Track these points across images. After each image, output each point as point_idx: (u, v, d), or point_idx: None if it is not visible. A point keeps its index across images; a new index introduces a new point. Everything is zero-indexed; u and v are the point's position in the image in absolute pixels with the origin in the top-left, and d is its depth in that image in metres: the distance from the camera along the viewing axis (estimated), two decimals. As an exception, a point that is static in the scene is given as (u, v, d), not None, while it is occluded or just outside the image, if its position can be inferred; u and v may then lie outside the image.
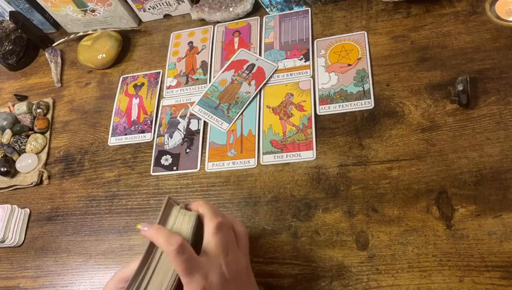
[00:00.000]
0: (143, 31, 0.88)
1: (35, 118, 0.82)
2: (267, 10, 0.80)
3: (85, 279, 0.65)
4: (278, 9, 0.79)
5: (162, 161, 0.70)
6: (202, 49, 0.80)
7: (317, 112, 0.66)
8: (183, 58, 0.80)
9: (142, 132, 0.75)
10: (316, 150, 0.63)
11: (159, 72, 0.81)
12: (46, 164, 0.78)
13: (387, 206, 0.56)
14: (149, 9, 0.85)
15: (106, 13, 0.86)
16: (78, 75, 0.87)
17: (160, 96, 0.78)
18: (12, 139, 0.80)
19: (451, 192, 0.55)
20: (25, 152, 0.79)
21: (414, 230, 0.54)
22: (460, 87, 0.59)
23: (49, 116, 0.83)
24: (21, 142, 0.79)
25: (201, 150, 0.69)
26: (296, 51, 0.73)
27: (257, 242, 0.59)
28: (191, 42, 0.82)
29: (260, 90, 0.71)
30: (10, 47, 0.89)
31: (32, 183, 0.76)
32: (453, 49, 0.65)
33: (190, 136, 0.71)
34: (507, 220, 0.51)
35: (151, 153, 0.72)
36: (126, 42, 0.87)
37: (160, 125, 0.74)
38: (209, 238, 0.43)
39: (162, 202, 0.67)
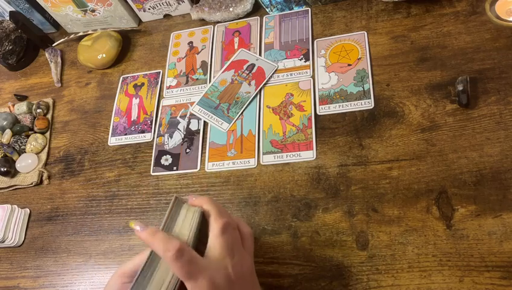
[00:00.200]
0: (143, 31, 0.88)
1: (35, 118, 0.82)
2: (267, 10, 0.80)
3: (85, 279, 0.65)
4: (278, 9, 0.79)
5: (162, 161, 0.70)
6: (202, 49, 0.80)
7: (317, 112, 0.66)
8: (183, 58, 0.80)
9: (142, 132, 0.75)
10: (316, 150, 0.63)
11: (159, 72, 0.81)
12: (46, 164, 0.78)
13: (387, 206, 0.56)
14: (149, 9, 0.85)
15: (106, 13, 0.86)
16: (78, 75, 0.87)
17: (160, 96, 0.78)
18: (12, 139, 0.80)
19: (451, 192, 0.55)
20: (25, 152, 0.79)
21: (414, 230, 0.54)
22: (460, 87, 0.59)
23: (49, 116, 0.83)
24: (21, 142, 0.79)
25: (201, 150, 0.69)
26: (296, 51, 0.73)
27: (257, 242, 0.59)
28: (191, 42, 0.82)
29: (260, 90, 0.71)
30: (10, 47, 0.89)
31: (32, 183, 0.76)
32: (453, 49, 0.65)
33: (190, 136, 0.71)
34: (507, 220, 0.51)
35: (151, 153, 0.72)
36: (126, 42, 0.87)
37: (160, 125, 0.74)
38: (215, 239, 0.41)
39: (162, 202, 0.67)
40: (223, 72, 0.75)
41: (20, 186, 0.77)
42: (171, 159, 0.70)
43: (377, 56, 0.68)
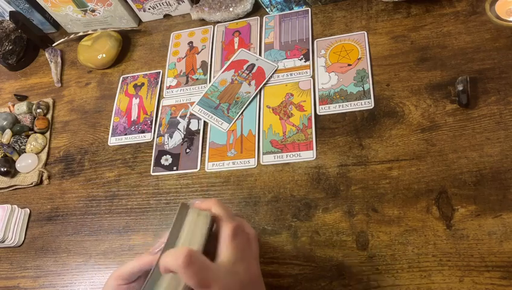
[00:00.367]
0: (143, 31, 0.88)
1: (35, 118, 0.82)
2: (267, 10, 0.80)
3: (85, 279, 0.65)
4: (278, 9, 0.79)
5: (162, 161, 0.70)
6: (202, 49, 0.80)
7: (317, 112, 0.66)
8: (183, 58, 0.80)
9: (142, 132, 0.75)
10: (316, 150, 0.63)
11: (159, 72, 0.81)
12: (46, 164, 0.78)
13: (387, 206, 0.56)
14: (149, 9, 0.85)
15: (106, 13, 0.86)
16: (78, 75, 0.87)
17: (160, 96, 0.78)
18: (12, 139, 0.80)
19: (451, 192, 0.55)
20: (25, 152, 0.79)
21: (414, 230, 0.54)
22: (460, 87, 0.59)
23: (49, 116, 0.83)
24: (21, 142, 0.79)
25: (201, 150, 0.69)
26: (296, 51, 0.73)
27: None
28: (191, 42, 0.82)
29: (260, 90, 0.71)
30: (10, 47, 0.89)
31: (32, 183, 0.76)
32: (453, 49, 0.65)
33: (190, 136, 0.71)
34: (507, 220, 0.51)
35: (151, 153, 0.72)
36: (126, 42, 0.87)
37: (160, 125, 0.74)
38: (226, 243, 0.39)
39: (162, 202, 0.67)
40: (223, 72, 0.75)
41: (20, 186, 0.77)
42: (171, 159, 0.70)
43: (377, 56, 0.68)
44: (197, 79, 0.77)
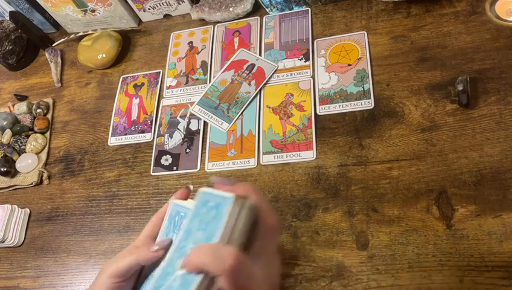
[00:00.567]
0: (143, 31, 0.88)
1: (35, 118, 0.82)
2: (267, 10, 0.79)
3: (85, 279, 0.65)
4: (278, 9, 0.79)
5: (162, 161, 0.70)
6: (202, 49, 0.80)
7: (317, 112, 0.66)
8: (183, 58, 0.80)
9: (142, 132, 0.75)
10: (316, 150, 0.63)
11: (159, 72, 0.81)
12: (46, 164, 0.78)
13: (387, 206, 0.56)
14: (149, 9, 0.85)
15: (106, 13, 0.86)
16: (78, 75, 0.87)
17: (160, 96, 0.78)
18: (12, 139, 0.80)
19: (451, 192, 0.55)
20: (25, 152, 0.79)
21: (414, 230, 0.54)
22: (460, 87, 0.59)
23: (49, 116, 0.83)
24: (21, 142, 0.79)
25: (201, 150, 0.69)
26: (296, 51, 0.73)
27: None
28: (191, 42, 0.82)
29: (260, 90, 0.71)
30: (10, 47, 0.89)
31: (32, 183, 0.76)
32: (453, 49, 0.65)
33: (190, 136, 0.71)
34: (507, 220, 0.51)
35: (151, 153, 0.72)
36: (126, 42, 0.87)
37: (160, 125, 0.74)
38: (269, 241, 0.34)
39: (162, 202, 0.67)
40: (223, 72, 0.75)
41: (20, 186, 0.77)
42: (171, 159, 0.70)
43: (377, 56, 0.68)
44: (197, 79, 0.77)
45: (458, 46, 0.65)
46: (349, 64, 0.69)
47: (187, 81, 0.77)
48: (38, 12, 0.91)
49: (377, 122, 0.63)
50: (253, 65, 0.74)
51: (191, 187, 0.44)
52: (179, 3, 0.84)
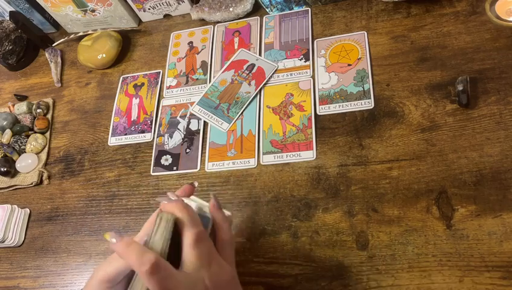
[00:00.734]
0: (143, 31, 0.88)
1: (35, 118, 0.82)
2: (267, 10, 0.80)
3: (85, 279, 0.65)
4: (278, 9, 0.79)
5: (162, 161, 0.70)
6: (202, 49, 0.80)
7: (317, 112, 0.66)
8: (183, 58, 0.80)
9: (142, 132, 0.75)
10: (316, 150, 0.63)
11: (159, 72, 0.81)
12: (46, 164, 0.78)
13: (387, 206, 0.56)
14: (149, 9, 0.85)
15: (106, 13, 0.86)
16: (78, 75, 0.87)
17: (160, 96, 0.78)
18: (12, 139, 0.80)
19: (451, 192, 0.55)
20: (25, 152, 0.79)
21: (414, 230, 0.54)
22: (460, 87, 0.59)
23: (49, 116, 0.83)
24: (21, 142, 0.79)
25: (201, 150, 0.69)
26: (296, 51, 0.73)
27: (257, 242, 0.59)
28: (191, 42, 0.82)
29: (260, 90, 0.71)
30: (10, 47, 0.89)
31: (32, 183, 0.76)
32: (453, 49, 0.65)
33: (190, 136, 0.71)
34: (507, 220, 0.51)
35: (151, 153, 0.72)
36: (126, 42, 0.87)
37: (160, 125, 0.74)
38: (189, 250, 0.39)
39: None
40: (223, 72, 0.75)
41: (20, 186, 0.77)
42: (171, 159, 0.70)
43: (377, 56, 0.68)
44: (197, 79, 0.77)
45: (458, 46, 0.65)
46: (349, 64, 0.69)
47: (187, 81, 0.77)
48: (38, 12, 0.91)
49: (377, 122, 0.63)
50: (253, 65, 0.74)
51: (196, 184, 0.48)
52: (179, 3, 0.84)
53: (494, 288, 0.48)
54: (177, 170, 0.69)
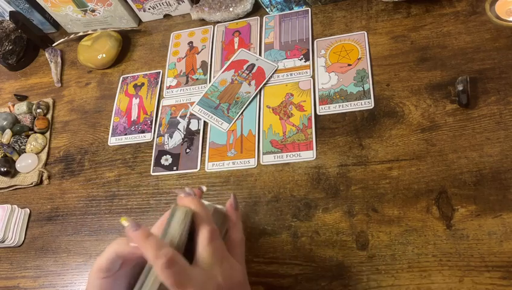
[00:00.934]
0: (143, 31, 0.88)
1: (35, 118, 0.82)
2: (267, 10, 0.80)
3: (85, 279, 0.65)
4: (278, 9, 0.79)
5: (162, 161, 0.70)
6: (202, 49, 0.80)
7: (317, 112, 0.66)
8: (183, 58, 0.80)
9: (142, 132, 0.75)
10: (316, 150, 0.63)
11: (159, 72, 0.81)
12: (46, 164, 0.78)
13: (387, 206, 0.56)
14: (149, 9, 0.85)
15: (106, 13, 0.86)
16: (78, 75, 0.87)
17: (160, 96, 0.78)
18: (12, 139, 0.80)
19: (451, 192, 0.55)
20: (25, 152, 0.79)
21: (414, 230, 0.54)
22: (460, 87, 0.59)
23: (49, 116, 0.83)
24: (21, 142, 0.79)
25: (201, 150, 0.69)
26: (296, 51, 0.73)
27: (257, 242, 0.59)
28: (191, 42, 0.82)
29: (260, 90, 0.71)
30: (10, 47, 0.89)
31: (32, 183, 0.76)
32: (453, 49, 0.65)
33: (190, 136, 0.71)
34: (507, 220, 0.51)
35: (151, 153, 0.72)
36: (126, 42, 0.87)
37: (160, 125, 0.74)
38: (204, 246, 0.39)
39: (162, 202, 0.67)
40: (223, 72, 0.75)
41: (20, 186, 0.77)
42: (171, 159, 0.70)
43: (377, 56, 0.68)
44: (197, 79, 0.77)
45: (458, 46, 0.65)
46: (349, 64, 0.69)
47: (187, 81, 0.77)
48: (38, 12, 0.91)
49: (377, 122, 0.63)
50: (253, 65, 0.74)
51: (204, 189, 0.48)
52: (179, 3, 0.84)
53: (494, 288, 0.48)
54: (177, 170, 0.69)
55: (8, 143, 0.79)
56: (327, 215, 0.58)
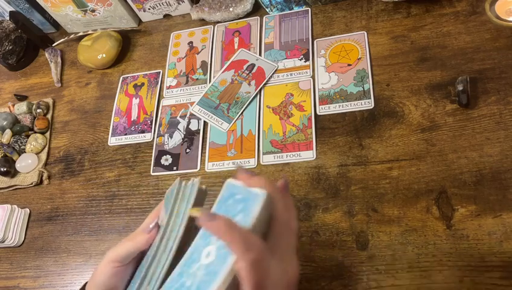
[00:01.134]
0: (143, 31, 0.88)
1: (35, 118, 0.82)
2: (267, 10, 0.80)
3: (85, 279, 0.65)
4: (278, 9, 0.79)
5: (162, 161, 0.70)
6: (202, 49, 0.80)
7: (317, 112, 0.66)
8: (183, 58, 0.80)
9: (142, 132, 0.75)
10: (316, 150, 0.63)
11: (159, 72, 0.81)
12: (46, 164, 0.78)
13: (387, 206, 0.56)
14: (149, 9, 0.85)
15: (106, 13, 0.86)
16: (78, 75, 0.87)
17: (160, 96, 0.78)
18: (12, 139, 0.80)
19: (451, 192, 0.55)
20: (25, 152, 0.79)
21: (414, 230, 0.54)
22: (460, 87, 0.59)
23: (49, 116, 0.83)
24: (21, 142, 0.79)
25: (201, 150, 0.69)
26: (296, 51, 0.73)
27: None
28: (191, 42, 0.82)
29: (260, 90, 0.71)
30: (10, 47, 0.89)
31: (32, 183, 0.76)
32: (453, 49, 0.65)
33: (190, 136, 0.71)
34: (507, 220, 0.51)
35: (151, 153, 0.72)
36: (126, 42, 0.87)
37: (160, 125, 0.74)
38: (286, 236, 0.34)
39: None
40: (223, 72, 0.75)
41: (20, 186, 0.77)
42: (171, 159, 0.70)
43: (377, 56, 0.68)
44: (197, 79, 0.77)
45: (458, 46, 0.65)
46: (349, 64, 0.69)
47: (187, 81, 0.77)
48: (38, 12, 0.91)
49: (377, 122, 0.63)
50: (253, 65, 0.74)
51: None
52: (179, 3, 0.84)
53: (494, 288, 0.48)
54: (177, 170, 0.69)
55: (8, 143, 0.79)
56: (327, 215, 0.58)
